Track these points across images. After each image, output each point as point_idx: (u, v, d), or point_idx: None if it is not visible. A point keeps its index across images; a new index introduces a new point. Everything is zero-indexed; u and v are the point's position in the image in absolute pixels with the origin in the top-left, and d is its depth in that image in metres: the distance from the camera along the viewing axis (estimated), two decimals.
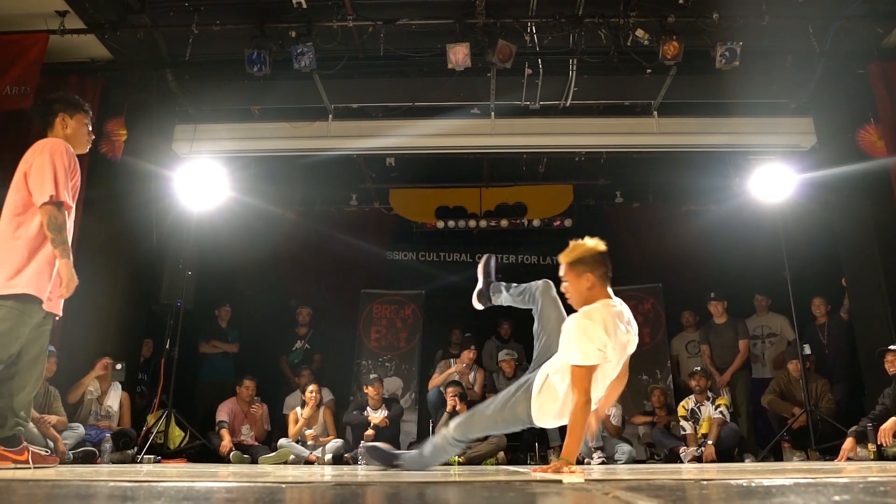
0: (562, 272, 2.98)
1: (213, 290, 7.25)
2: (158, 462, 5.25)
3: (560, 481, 2.03)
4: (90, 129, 3.46)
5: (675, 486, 1.93)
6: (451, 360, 6.81)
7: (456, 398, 5.90)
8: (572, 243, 3.01)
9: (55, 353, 4.94)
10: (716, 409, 5.81)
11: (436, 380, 6.69)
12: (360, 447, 5.56)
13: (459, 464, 5.69)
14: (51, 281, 3.10)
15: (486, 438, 5.93)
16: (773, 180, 6.07)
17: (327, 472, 3.49)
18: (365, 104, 6.44)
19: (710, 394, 5.98)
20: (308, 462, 5.80)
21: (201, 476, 2.65)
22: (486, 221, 8.34)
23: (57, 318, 3.27)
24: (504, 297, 3.49)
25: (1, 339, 2.97)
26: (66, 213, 3.11)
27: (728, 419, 5.79)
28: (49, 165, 3.08)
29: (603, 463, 5.59)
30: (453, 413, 5.93)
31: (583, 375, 2.71)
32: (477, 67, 5.65)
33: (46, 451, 3.63)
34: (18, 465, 3.03)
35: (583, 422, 2.67)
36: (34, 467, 3.07)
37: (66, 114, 3.34)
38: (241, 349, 7.24)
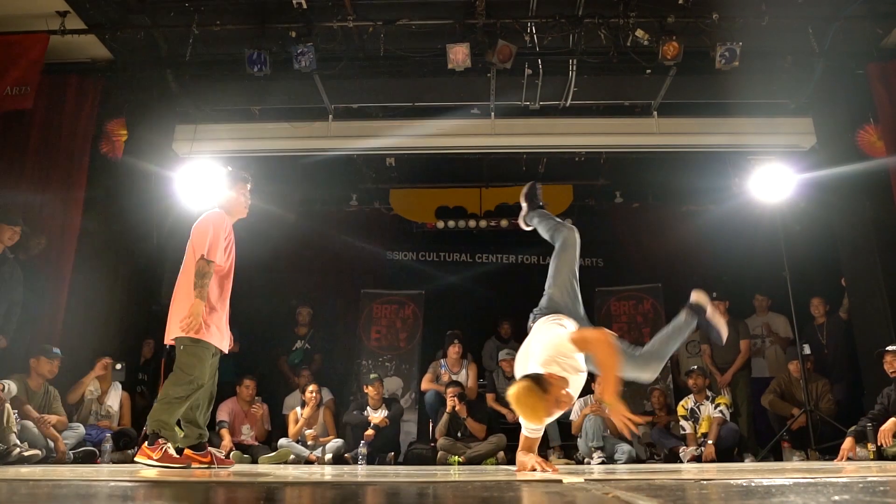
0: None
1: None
2: None
3: (560, 481, 2.03)
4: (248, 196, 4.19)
5: (675, 485, 1.93)
6: (442, 361, 6.80)
7: (455, 398, 5.91)
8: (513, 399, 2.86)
9: (59, 356, 4.94)
10: (715, 408, 5.82)
11: (426, 383, 6.68)
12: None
13: (459, 464, 5.70)
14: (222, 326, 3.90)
15: (486, 438, 5.94)
16: (772, 180, 6.07)
17: (327, 472, 3.50)
18: (365, 104, 6.45)
19: (709, 393, 5.99)
20: (308, 462, 5.80)
21: (202, 476, 2.65)
22: (486, 221, 8.34)
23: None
24: (538, 226, 3.78)
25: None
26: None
27: (728, 418, 5.79)
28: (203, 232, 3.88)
29: (603, 463, 5.59)
30: (453, 413, 5.94)
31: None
32: (477, 68, 5.65)
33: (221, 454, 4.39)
34: (203, 465, 3.73)
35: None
36: (216, 467, 3.79)
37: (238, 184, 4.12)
38: (241, 349, 7.23)
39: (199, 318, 3.67)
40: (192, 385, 3.70)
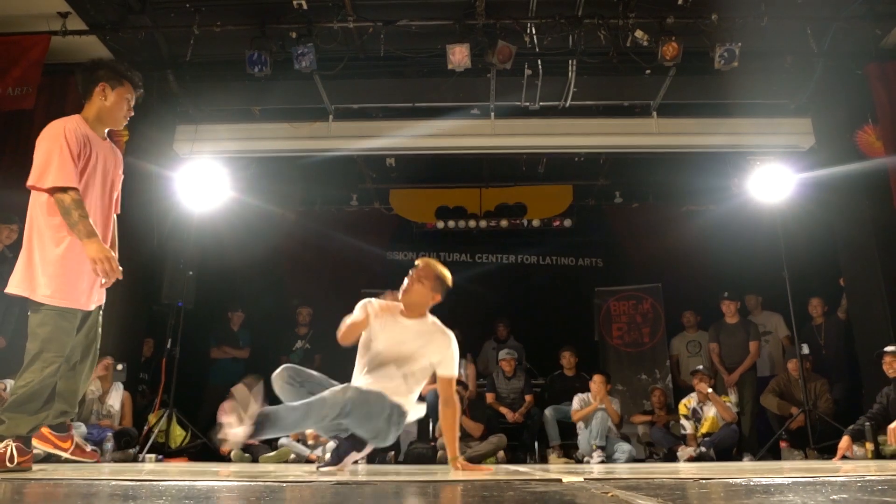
0: (423, 273, 3.23)
1: (214, 290, 7.27)
2: (160, 461, 5.26)
3: (559, 480, 2.04)
4: (131, 104, 3.07)
5: (674, 484, 1.94)
6: None
7: None
8: (442, 267, 3.29)
9: None
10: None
11: (426, 387, 6.69)
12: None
13: None
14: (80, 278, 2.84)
15: (486, 438, 5.94)
16: (772, 180, 6.08)
17: (318, 472, 3.50)
18: (365, 105, 6.46)
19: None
20: (309, 461, 5.81)
21: (203, 475, 2.66)
22: (486, 221, 8.36)
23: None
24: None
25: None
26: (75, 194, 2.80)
27: (735, 413, 5.83)
28: (44, 153, 2.83)
29: (602, 462, 5.60)
30: None
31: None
32: (477, 68, 5.66)
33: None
34: (57, 450, 2.99)
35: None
36: (68, 458, 3.05)
37: (108, 84, 2.98)
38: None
39: (107, 258, 2.79)
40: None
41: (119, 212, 3.15)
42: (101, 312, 3.14)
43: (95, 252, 2.76)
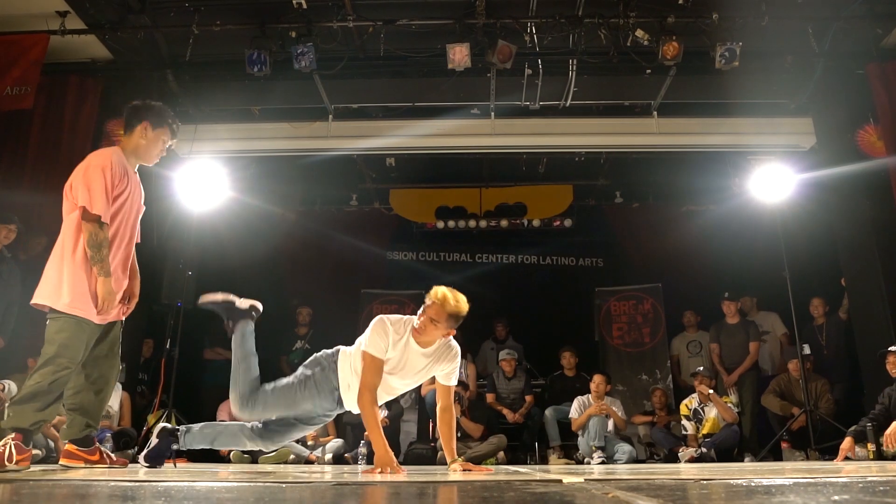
0: (435, 316, 3.14)
1: (214, 290, 7.21)
2: None
3: (560, 481, 2.03)
4: (166, 146, 3.36)
5: (675, 485, 1.93)
6: None
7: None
8: (454, 303, 3.19)
9: None
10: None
11: (425, 387, 6.68)
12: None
13: None
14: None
15: (486, 438, 5.94)
16: (772, 180, 6.07)
17: (327, 472, 3.49)
18: (365, 104, 6.45)
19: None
20: (308, 462, 5.81)
21: (202, 475, 2.65)
22: (486, 221, 8.35)
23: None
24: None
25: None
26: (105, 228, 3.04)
27: (736, 413, 5.82)
28: (95, 181, 3.02)
29: (603, 463, 5.59)
30: None
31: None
32: (477, 68, 5.65)
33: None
34: (89, 465, 3.14)
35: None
36: (107, 467, 3.18)
37: (150, 124, 3.24)
38: None
39: (111, 297, 3.06)
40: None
41: (139, 241, 3.35)
42: (121, 329, 3.32)
43: (106, 292, 3.05)
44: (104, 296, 3.03)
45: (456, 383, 3.36)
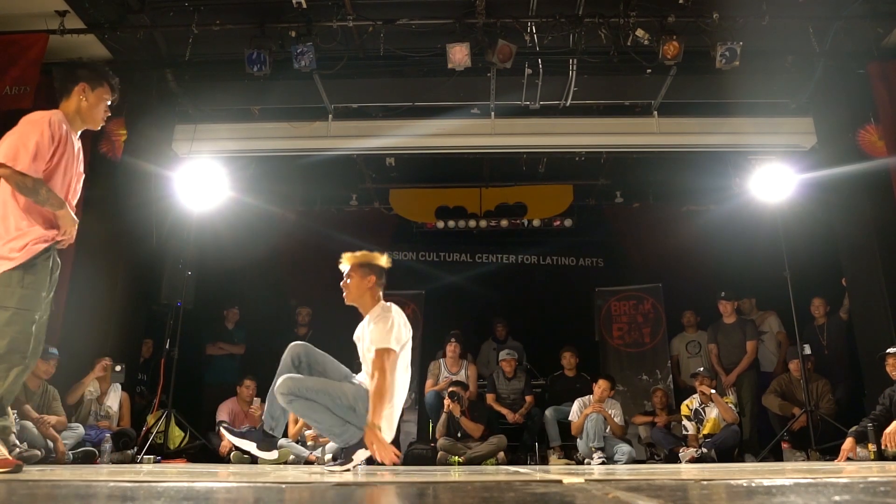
0: (346, 271, 3.53)
1: (214, 290, 7.26)
2: (158, 462, 5.24)
3: (560, 481, 2.03)
4: (108, 105, 3.18)
5: (676, 486, 1.93)
6: (441, 361, 6.80)
7: (448, 398, 5.90)
8: (361, 252, 3.55)
9: (55, 356, 4.93)
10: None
11: (430, 385, 6.69)
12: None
13: (459, 464, 5.69)
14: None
15: (486, 438, 5.93)
16: (772, 180, 6.07)
17: (327, 472, 3.49)
18: (365, 104, 6.45)
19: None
20: (308, 462, 5.80)
21: (201, 476, 2.65)
22: (486, 221, 8.35)
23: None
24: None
25: None
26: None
27: (737, 413, 5.81)
28: (22, 136, 2.79)
29: (603, 463, 5.59)
30: (450, 414, 5.93)
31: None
32: (477, 67, 5.64)
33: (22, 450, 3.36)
34: None
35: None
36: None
37: (88, 84, 3.07)
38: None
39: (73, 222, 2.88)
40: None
41: (78, 214, 3.10)
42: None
43: (71, 221, 2.88)
44: (71, 226, 2.87)
45: (383, 346, 3.39)
